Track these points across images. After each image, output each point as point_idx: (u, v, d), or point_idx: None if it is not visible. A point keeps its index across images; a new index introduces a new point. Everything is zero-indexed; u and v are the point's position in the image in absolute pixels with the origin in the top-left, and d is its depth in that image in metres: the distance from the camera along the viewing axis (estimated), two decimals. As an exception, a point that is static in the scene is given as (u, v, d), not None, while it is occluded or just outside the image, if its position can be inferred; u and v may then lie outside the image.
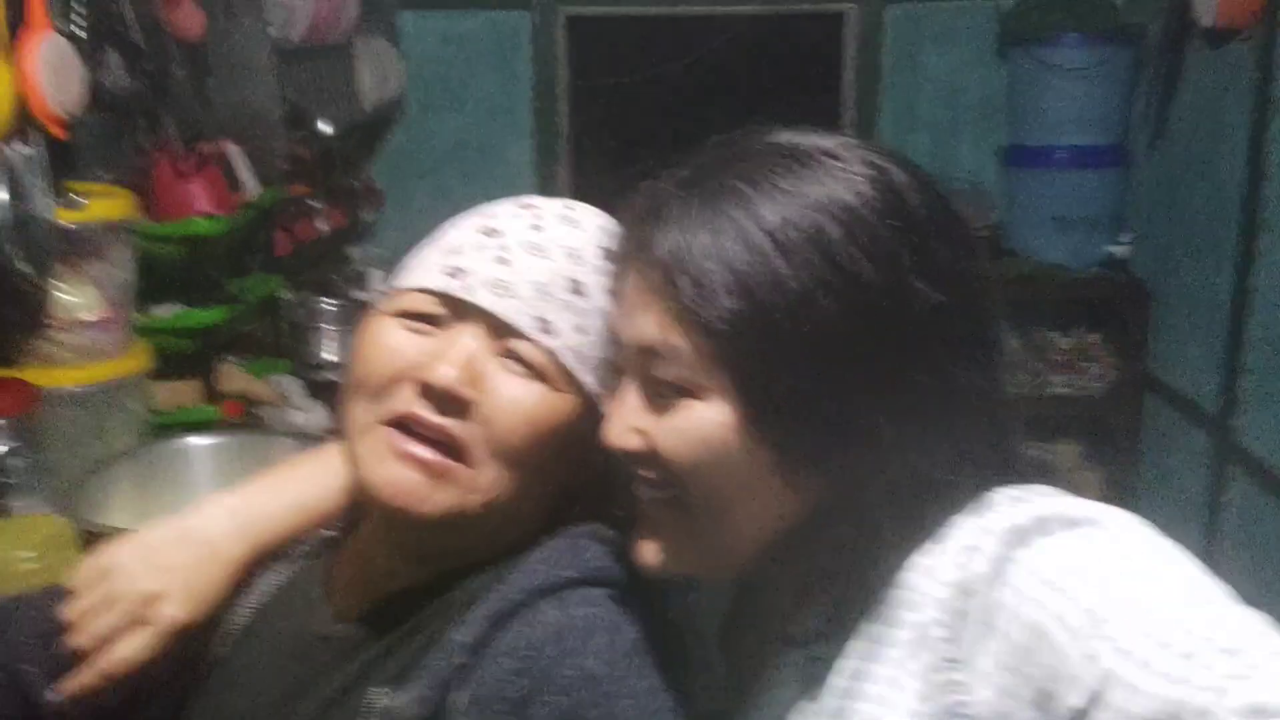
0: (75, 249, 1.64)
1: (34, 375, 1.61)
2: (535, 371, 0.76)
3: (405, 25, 3.37)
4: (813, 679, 0.72)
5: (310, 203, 2.63)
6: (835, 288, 0.66)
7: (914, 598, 0.68)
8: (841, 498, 0.70)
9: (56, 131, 1.49)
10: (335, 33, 2.68)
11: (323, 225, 2.68)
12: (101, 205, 1.67)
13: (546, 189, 3.29)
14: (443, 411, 0.74)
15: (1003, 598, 0.62)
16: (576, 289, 0.77)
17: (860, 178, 0.69)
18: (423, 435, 0.74)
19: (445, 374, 0.74)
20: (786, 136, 0.73)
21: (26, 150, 1.46)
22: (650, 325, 0.70)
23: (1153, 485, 3.01)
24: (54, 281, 1.62)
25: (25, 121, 1.46)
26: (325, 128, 2.58)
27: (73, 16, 1.58)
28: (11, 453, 1.50)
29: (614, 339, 0.77)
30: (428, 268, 0.79)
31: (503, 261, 0.77)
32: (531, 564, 0.75)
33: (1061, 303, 3.22)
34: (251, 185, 2.07)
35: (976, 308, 0.71)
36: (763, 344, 0.67)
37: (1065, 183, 3.13)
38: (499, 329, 0.76)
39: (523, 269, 0.77)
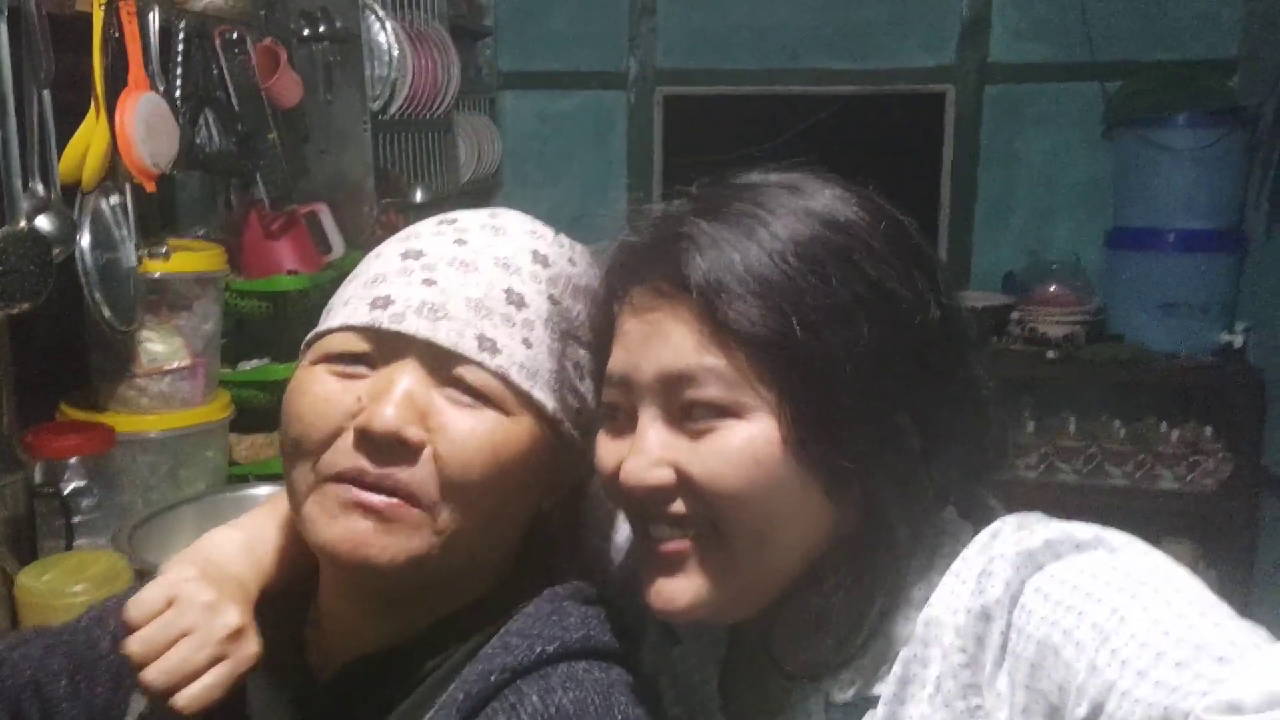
0: (161, 299, 1.71)
1: (115, 420, 1.67)
2: (484, 397, 0.70)
3: (504, 103, 3.47)
4: None
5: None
6: (868, 300, 0.69)
7: (936, 632, 0.68)
8: (866, 520, 0.70)
9: (146, 184, 1.56)
10: (434, 108, 2.77)
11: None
12: (189, 258, 1.74)
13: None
14: (388, 460, 0.68)
15: (1017, 621, 0.64)
16: (514, 300, 0.72)
17: (851, 200, 0.72)
18: (370, 486, 0.68)
19: (385, 418, 0.67)
20: (759, 175, 0.75)
21: (115, 200, 1.52)
22: (685, 349, 0.69)
23: (1269, 587, 2.80)
24: (140, 329, 1.68)
25: (117, 173, 1.53)
26: (419, 196, 2.65)
27: (172, 78, 1.66)
28: (80, 491, 1.54)
29: (620, 376, 0.73)
30: (351, 304, 0.72)
31: (430, 283, 0.71)
32: (510, 637, 0.69)
33: (1171, 392, 3.06)
34: (338, 245, 2.13)
35: (965, 320, 0.74)
36: (803, 355, 0.67)
37: (1174, 267, 3.00)
38: (438, 357, 0.70)
39: (453, 287, 0.71)
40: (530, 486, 0.73)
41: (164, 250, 1.63)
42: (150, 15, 1.58)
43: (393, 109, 2.52)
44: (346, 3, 2.29)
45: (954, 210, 3.32)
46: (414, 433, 0.68)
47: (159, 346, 1.74)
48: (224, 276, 1.85)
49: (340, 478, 0.69)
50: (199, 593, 0.72)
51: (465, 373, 0.70)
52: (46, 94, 1.39)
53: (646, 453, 0.70)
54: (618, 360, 0.73)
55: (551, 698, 0.66)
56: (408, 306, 0.70)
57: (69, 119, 1.47)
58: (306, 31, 2.21)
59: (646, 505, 0.71)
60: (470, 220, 0.76)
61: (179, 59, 1.67)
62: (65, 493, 1.52)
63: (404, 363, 0.70)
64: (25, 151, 1.39)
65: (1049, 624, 0.62)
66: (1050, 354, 2.99)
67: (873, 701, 0.70)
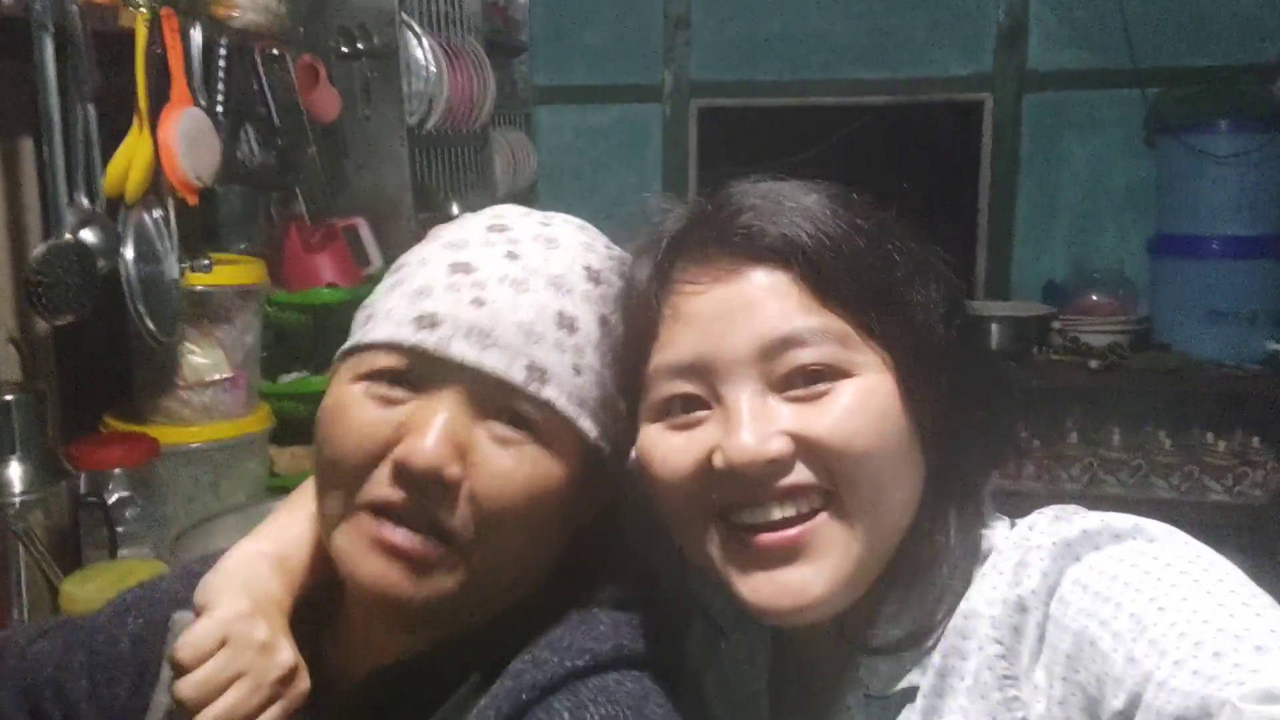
0: (203, 311, 1.73)
1: (157, 431, 1.68)
2: (530, 427, 0.68)
3: (540, 118, 3.49)
4: None
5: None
6: (924, 268, 0.72)
7: (973, 624, 0.67)
8: (936, 486, 0.71)
9: (189, 198, 1.57)
10: (471, 123, 2.79)
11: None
12: (230, 271, 1.75)
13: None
14: (424, 494, 0.66)
15: (1054, 612, 0.63)
16: (566, 324, 0.69)
17: (852, 194, 0.74)
18: (405, 519, 0.67)
19: (424, 454, 0.65)
20: (747, 182, 0.75)
21: (158, 214, 1.54)
22: (782, 313, 0.68)
23: (1325, 603, 2.73)
24: (182, 342, 1.70)
25: (160, 187, 1.55)
26: (455, 209, 2.67)
27: (214, 94, 1.69)
28: (123, 502, 1.55)
29: (694, 361, 0.69)
30: (395, 318, 0.69)
31: (479, 303, 0.67)
32: (540, 651, 0.68)
33: (1218, 402, 3.00)
34: (376, 259, 2.14)
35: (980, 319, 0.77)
36: (902, 309, 0.69)
37: (1219, 274, 2.95)
38: (484, 385, 0.67)
39: (504, 309, 0.67)
40: (567, 515, 0.72)
41: (206, 263, 1.64)
42: (192, 32, 1.60)
43: (430, 124, 2.53)
44: (384, 19, 2.31)
45: (993, 220, 3.29)
46: (453, 471, 0.66)
47: (201, 359, 1.76)
48: (264, 289, 1.87)
49: (374, 508, 0.67)
50: (253, 631, 0.70)
51: (512, 402, 0.68)
52: (91, 109, 1.42)
53: (759, 426, 0.66)
54: (687, 345, 0.69)
55: (583, 713, 0.64)
56: (456, 329, 0.67)
57: (113, 135, 1.49)
58: (345, 49, 2.24)
59: (755, 485, 0.67)
60: (522, 229, 0.73)
61: (220, 74, 1.69)
62: (109, 503, 1.53)
63: (448, 391, 0.67)
64: (71, 166, 1.41)
65: (1086, 615, 0.61)
66: (1093, 364, 2.95)
67: (910, 694, 0.69)
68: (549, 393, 0.67)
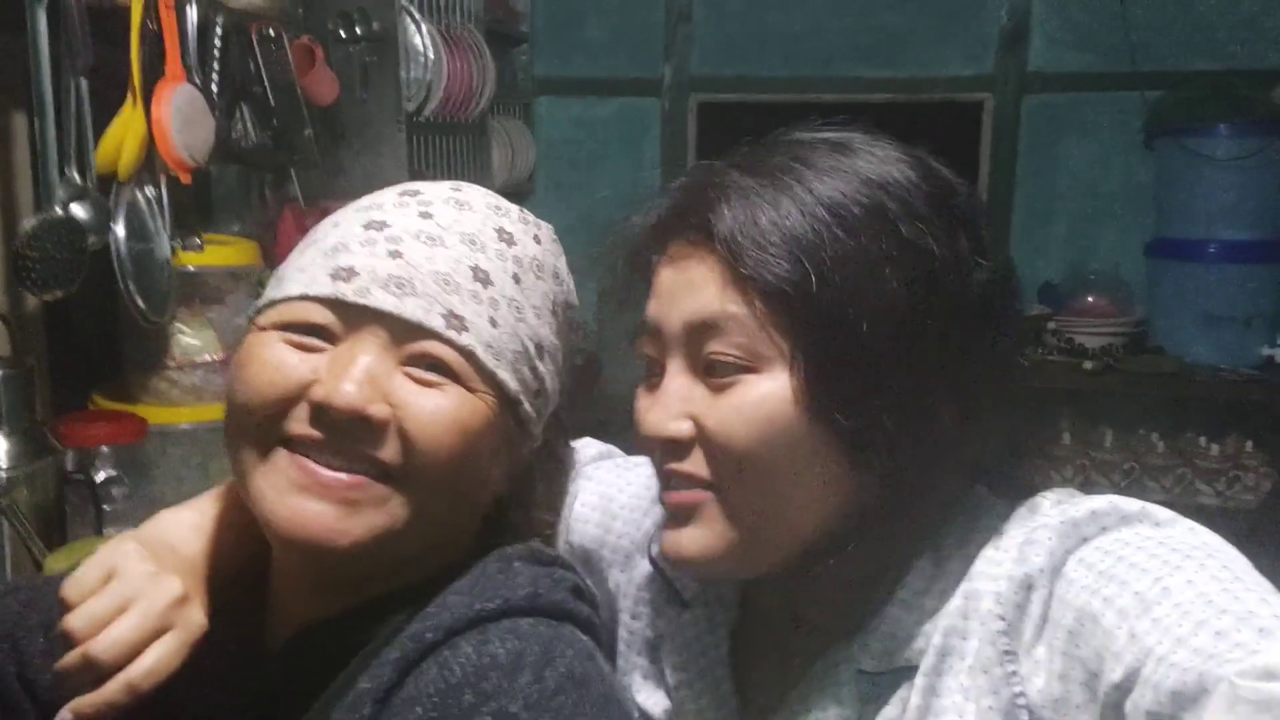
0: (195, 292, 1.72)
1: (146, 410, 1.67)
2: (451, 373, 0.68)
3: (540, 109, 3.48)
4: (872, 698, 0.70)
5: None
6: (899, 260, 0.67)
7: (975, 603, 0.67)
8: (891, 489, 0.69)
9: (182, 176, 1.57)
10: (470, 111, 2.78)
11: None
12: (223, 251, 1.74)
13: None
14: (347, 435, 0.65)
15: (1059, 590, 0.63)
16: (481, 277, 0.70)
17: (901, 160, 0.71)
18: (328, 457, 0.66)
19: (346, 393, 0.64)
20: (809, 133, 0.75)
21: (150, 191, 1.53)
22: (710, 298, 0.69)
23: (1315, 609, 2.73)
24: (172, 321, 1.69)
25: (153, 165, 1.54)
26: (452, 198, 2.66)
27: (209, 72, 1.68)
28: (110, 480, 1.54)
29: (653, 326, 0.73)
30: (310, 272, 0.69)
31: (396, 255, 0.68)
32: (451, 595, 0.67)
33: (1211, 407, 3.00)
34: (371, 244, 2.14)
35: (1014, 293, 0.73)
36: (825, 309, 0.67)
37: (1216, 278, 2.95)
38: (404, 332, 0.67)
39: (420, 260, 0.68)
40: (491, 464, 0.72)
41: (198, 243, 1.64)
42: (188, 9, 1.60)
43: (428, 110, 2.53)
44: (383, 4, 2.30)
45: (990, 221, 3.29)
46: (378, 409, 0.66)
47: (191, 339, 1.75)
48: (257, 271, 1.86)
49: (291, 444, 0.66)
50: (138, 563, 0.70)
51: (432, 348, 0.68)
52: (84, 83, 1.41)
53: (667, 404, 0.71)
54: (651, 311, 0.74)
55: (487, 648, 0.63)
56: (374, 280, 0.67)
57: (106, 113, 1.48)
58: (343, 33, 2.23)
59: (666, 457, 0.72)
60: (434, 193, 0.74)
61: (216, 53, 1.68)
62: (96, 481, 1.53)
63: (367, 337, 0.67)
64: (62, 140, 1.40)
65: (1090, 592, 0.61)
66: (1088, 365, 2.95)
67: (907, 673, 0.69)
68: (467, 340, 0.68)
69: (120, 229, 1.48)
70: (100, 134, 1.46)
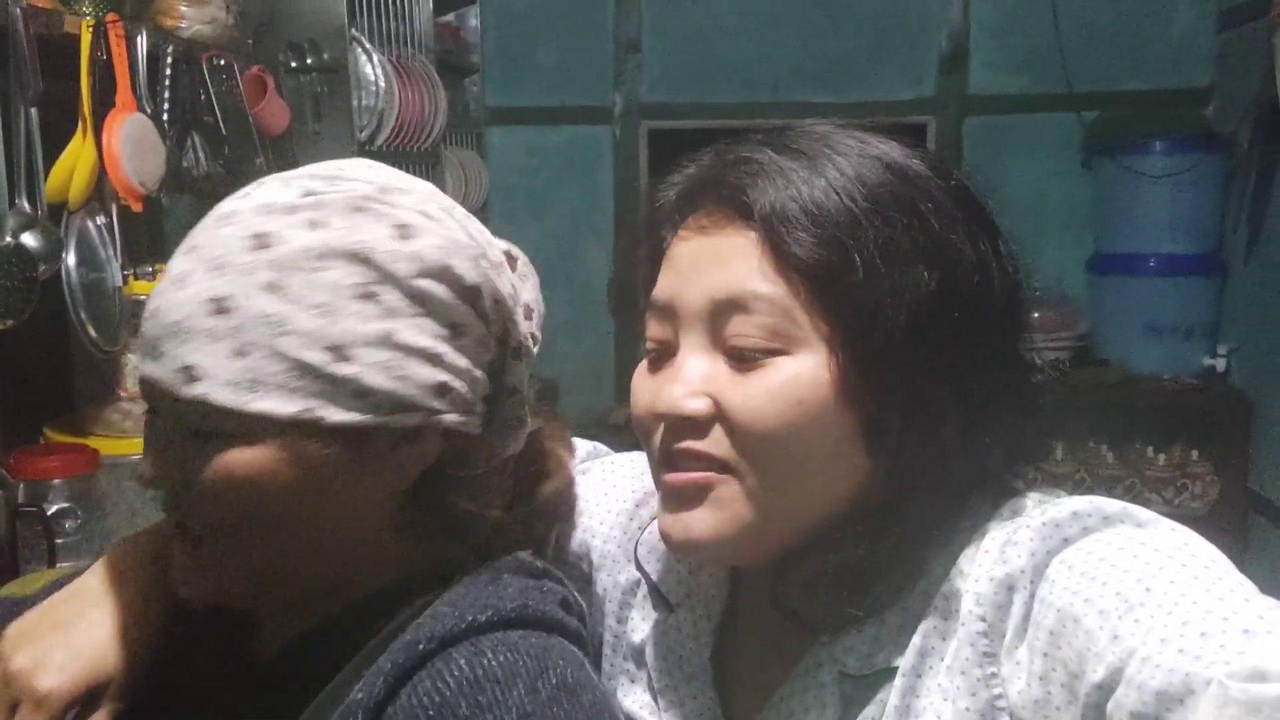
0: (147, 321, 1.70)
1: (100, 443, 1.65)
2: (205, 434, 0.65)
3: (492, 138, 3.51)
4: (854, 700, 0.69)
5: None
6: (932, 253, 0.67)
7: (955, 604, 0.66)
8: (896, 484, 0.68)
9: (134, 205, 1.56)
10: (422, 140, 2.79)
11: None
12: (175, 281, 1.73)
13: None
14: (165, 505, 0.68)
15: (1041, 591, 0.62)
16: (220, 307, 0.63)
17: (918, 156, 0.71)
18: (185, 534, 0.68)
19: (144, 473, 0.67)
20: (823, 125, 0.73)
21: (101, 220, 1.53)
22: (741, 274, 0.67)
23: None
24: (125, 352, 1.68)
25: (104, 194, 1.54)
26: (405, 226, 2.66)
27: (160, 101, 1.68)
28: (63, 513, 1.52)
29: (665, 301, 0.70)
30: None
31: (152, 315, 0.65)
32: (442, 606, 0.67)
33: (1157, 416, 3.07)
34: (325, 272, 2.13)
35: (1025, 295, 0.72)
36: (865, 294, 0.65)
37: (1157, 291, 3.04)
38: (164, 399, 0.65)
39: (163, 312, 0.64)
40: (319, 494, 0.67)
41: (150, 271, 1.63)
42: (138, 39, 1.60)
43: (380, 140, 2.53)
44: (334, 35, 2.31)
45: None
46: (163, 479, 0.67)
47: (144, 370, 1.74)
48: (210, 300, 1.85)
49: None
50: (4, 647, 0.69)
51: (181, 411, 0.65)
52: (34, 112, 1.40)
53: (686, 381, 0.68)
54: (664, 286, 0.71)
55: (480, 660, 0.62)
56: (141, 348, 0.66)
57: (56, 142, 1.48)
58: (294, 63, 2.24)
59: (676, 436, 0.69)
60: (218, 210, 0.68)
61: (167, 82, 1.68)
62: (49, 513, 1.50)
63: (155, 399, 0.67)
64: (12, 169, 1.40)
65: (1071, 593, 0.60)
66: (1035, 379, 3.00)
67: (889, 674, 0.68)
68: (199, 390, 0.63)
69: (71, 258, 1.47)
70: (51, 163, 1.46)
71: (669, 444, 0.70)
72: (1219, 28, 3.13)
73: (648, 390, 0.71)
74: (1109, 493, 2.91)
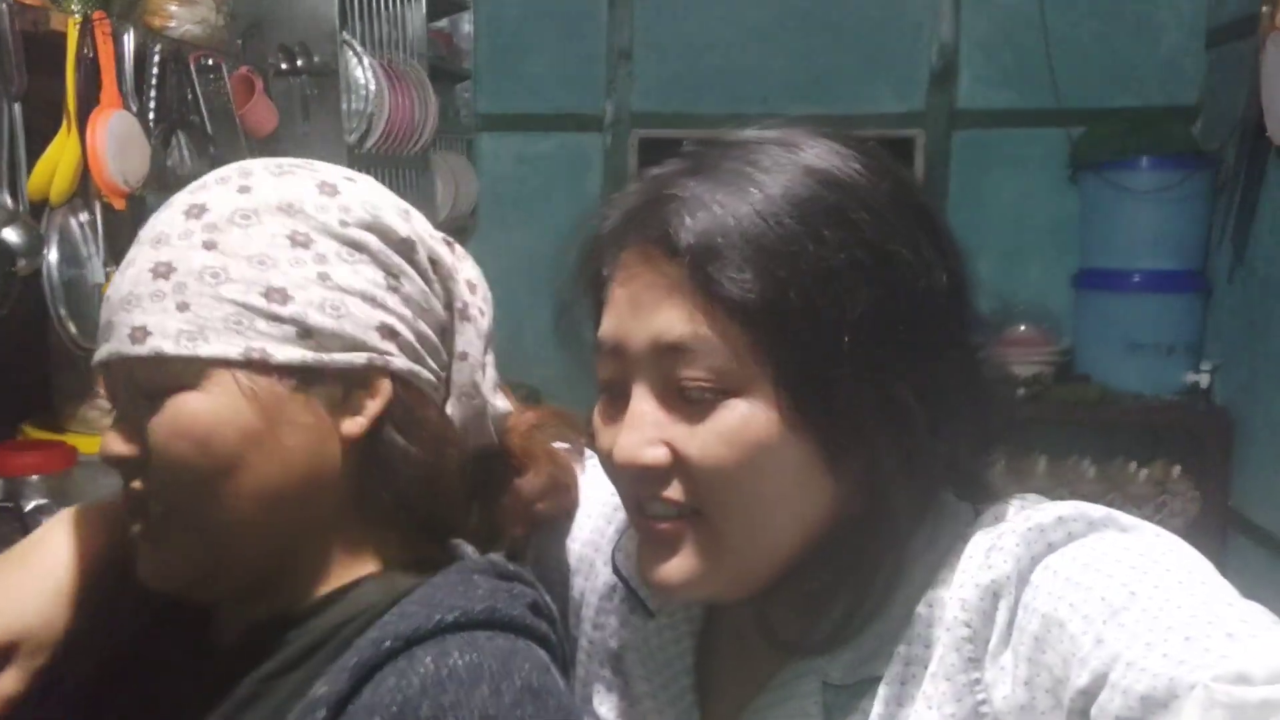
0: (129, 319, 1.70)
1: (77, 440, 1.65)
2: (160, 390, 0.66)
3: (482, 144, 3.51)
4: (837, 709, 0.68)
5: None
6: (867, 265, 0.65)
7: (939, 612, 0.66)
8: (869, 497, 0.67)
9: (116, 202, 1.56)
10: (412, 145, 2.80)
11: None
12: (158, 279, 1.73)
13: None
14: (127, 478, 0.68)
15: (1025, 597, 0.63)
16: (161, 271, 0.66)
17: (853, 156, 0.68)
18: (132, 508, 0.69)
19: (105, 446, 0.68)
20: (754, 131, 0.71)
21: (84, 217, 1.53)
22: (677, 318, 0.65)
23: (1241, 628, 2.80)
24: (106, 350, 1.68)
25: (87, 191, 1.53)
26: (393, 230, 2.66)
27: (145, 99, 1.68)
28: (41, 509, 1.51)
29: (612, 344, 0.69)
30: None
31: (105, 301, 0.69)
32: (409, 604, 0.67)
33: (1139, 432, 3.09)
34: (310, 274, 2.13)
35: (968, 277, 0.71)
36: (801, 324, 0.64)
37: (1140, 307, 3.05)
38: (115, 373, 0.68)
39: (114, 293, 0.68)
40: (276, 438, 0.67)
41: (132, 268, 1.62)
42: (125, 37, 1.60)
43: (369, 143, 2.54)
44: (324, 37, 2.31)
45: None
46: (119, 450, 0.69)
47: (125, 368, 1.74)
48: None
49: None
50: None
51: (135, 374, 0.67)
52: (18, 108, 1.40)
53: (640, 430, 0.67)
54: (608, 327, 0.69)
55: (445, 660, 0.63)
56: (100, 333, 0.69)
57: (40, 139, 1.48)
58: (284, 65, 2.24)
59: (641, 483, 0.68)
60: (166, 202, 0.72)
61: (153, 80, 1.68)
62: (25, 510, 1.50)
63: (113, 384, 0.70)
64: (-6, 164, 1.40)
65: (1055, 598, 0.60)
66: (1018, 393, 3.02)
67: (873, 683, 0.68)
68: (152, 344, 0.65)
69: (52, 254, 1.47)
70: (34, 159, 1.46)
71: (635, 490, 0.70)
72: (1206, 46, 3.15)
73: (608, 435, 0.71)
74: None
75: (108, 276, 1.59)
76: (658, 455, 0.67)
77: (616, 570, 0.81)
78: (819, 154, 0.67)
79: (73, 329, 1.53)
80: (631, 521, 0.73)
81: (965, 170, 3.34)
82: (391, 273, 0.71)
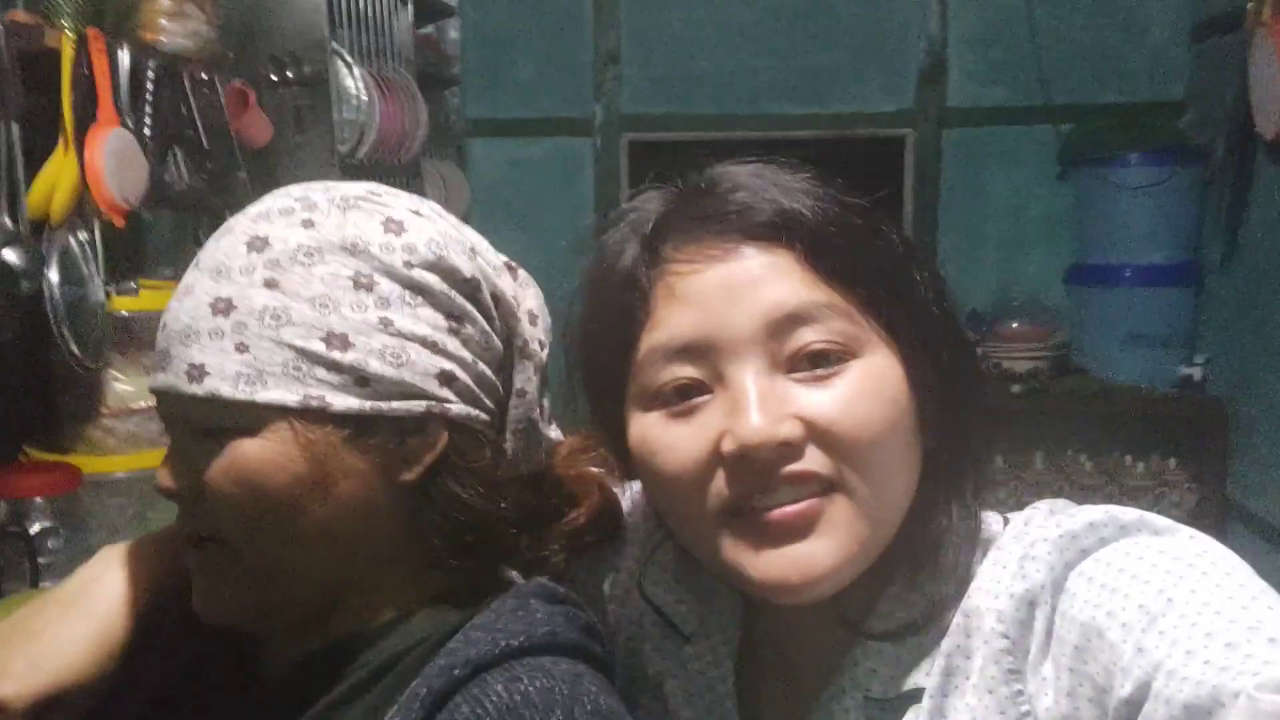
0: (129, 337, 1.69)
1: (82, 461, 1.64)
2: (217, 431, 0.66)
3: (472, 150, 3.50)
4: None
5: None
6: (900, 241, 0.72)
7: (977, 621, 0.66)
8: (938, 467, 0.71)
9: (116, 220, 1.55)
10: (403, 153, 2.79)
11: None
12: (158, 296, 1.72)
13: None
14: (181, 509, 0.69)
15: (1061, 605, 0.62)
16: (221, 308, 0.65)
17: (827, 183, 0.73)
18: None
19: (158, 480, 0.68)
20: (731, 165, 0.75)
21: (84, 236, 1.51)
22: (790, 291, 0.66)
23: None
24: (107, 368, 1.66)
25: (86, 209, 1.52)
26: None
27: (141, 115, 1.66)
28: (47, 532, 1.50)
29: (698, 340, 0.66)
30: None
31: (162, 327, 0.68)
32: (474, 631, 0.67)
33: (1135, 425, 3.10)
34: (308, 286, 2.12)
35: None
36: (899, 288, 0.69)
37: (1134, 300, 3.06)
38: (174, 407, 0.67)
39: (171, 323, 0.67)
40: (328, 484, 0.67)
41: (132, 287, 1.61)
42: (120, 53, 1.59)
43: (361, 153, 2.53)
44: (315, 48, 2.30)
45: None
46: (167, 485, 0.69)
47: (126, 386, 1.72)
48: (192, 315, 1.83)
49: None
50: None
51: (189, 412, 0.66)
52: (15, 127, 1.39)
53: (769, 407, 0.64)
54: (685, 326, 0.67)
55: (516, 686, 0.63)
56: (155, 363, 0.68)
57: (37, 156, 1.46)
58: (275, 76, 2.23)
59: (766, 469, 0.64)
60: (221, 227, 0.71)
61: (148, 96, 1.67)
62: (31, 533, 1.48)
63: (169, 413, 0.69)
64: (-7, 185, 1.38)
65: (1093, 606, 0.60)
66: (1015, 389, 3.03)
67: (915, 696, 0.67)
68: (209, 385, 0.64)
69: (53, 274, 1.45)
70: (32, 179, 1.44)
71: (750, 482, 0.65)
72: (1193, 41, 3.17)
73: (688, 441, 0.67)
74: (1087, 501, 2.95)
75: (109, 295, 1.58)
76: (794, 428, 0.64)
77: (645, 597, 0.81)
78: (803, 175, 0.72)
79: (75, 349, 1.52)
80: (731, 533, 0.67)
81: (957, 168, 3.35)
82: (454, 315, 0.70)
